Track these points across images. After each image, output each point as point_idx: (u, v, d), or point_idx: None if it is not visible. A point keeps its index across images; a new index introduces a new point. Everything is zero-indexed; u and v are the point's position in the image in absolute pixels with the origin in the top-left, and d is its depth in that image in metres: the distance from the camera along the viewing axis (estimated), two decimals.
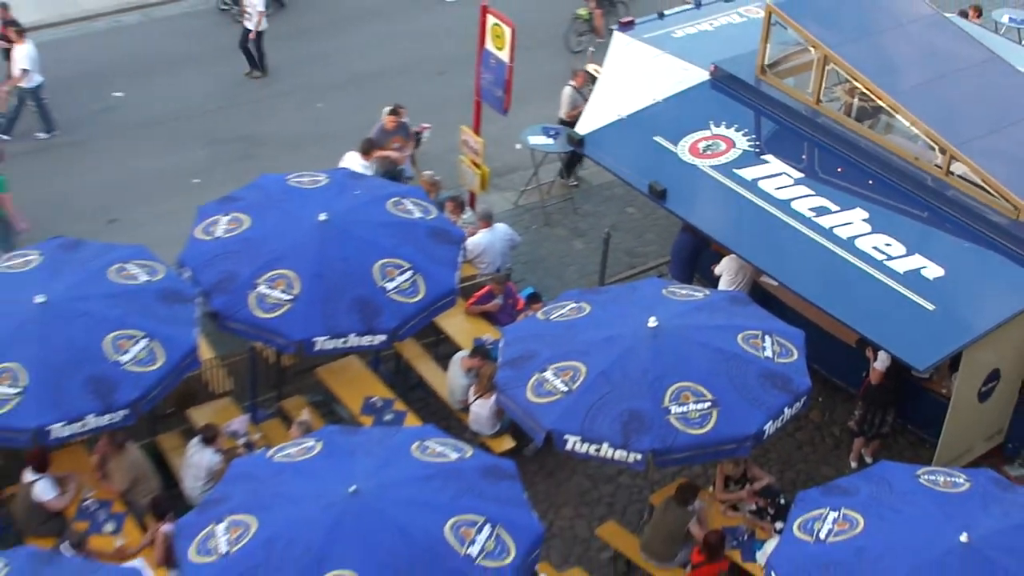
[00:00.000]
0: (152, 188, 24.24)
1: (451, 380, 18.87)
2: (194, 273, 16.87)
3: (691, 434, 15.00)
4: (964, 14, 26.16)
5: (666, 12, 22.93)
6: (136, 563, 15.45)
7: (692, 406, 15.12)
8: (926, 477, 14.42)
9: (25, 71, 24.88)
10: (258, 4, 27.59)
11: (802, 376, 15.93)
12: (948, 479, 14.39)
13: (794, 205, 18.64)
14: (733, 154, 19.69)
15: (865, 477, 14.85)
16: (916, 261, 17.61)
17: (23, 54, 24.90)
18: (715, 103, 20.74)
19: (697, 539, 16.48)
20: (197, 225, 17.57)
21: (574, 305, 16.83)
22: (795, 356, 16.14)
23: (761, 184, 19.07)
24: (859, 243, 17.92)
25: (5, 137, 24.60)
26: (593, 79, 23.23)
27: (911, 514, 13.74)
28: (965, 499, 13.97)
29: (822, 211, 18.49)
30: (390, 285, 16.68)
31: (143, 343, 15.51)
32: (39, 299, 15.44)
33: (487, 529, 13.30)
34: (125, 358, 15.32)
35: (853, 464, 19.12)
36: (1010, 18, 30.08)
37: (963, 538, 13.07)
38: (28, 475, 16.30)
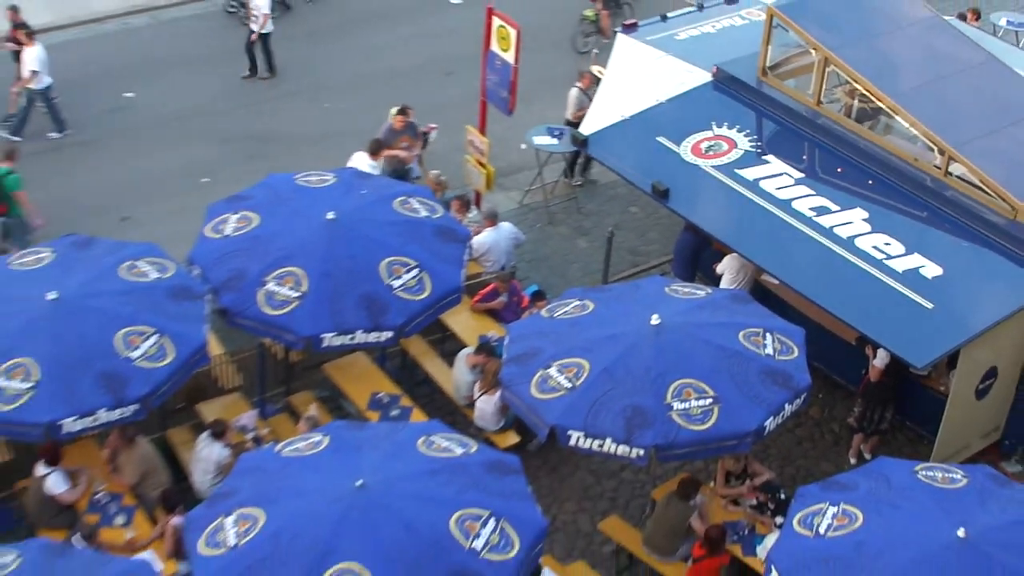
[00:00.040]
0: (162, 187, 24.26)
1: (456, 376, 18.88)
2: (204, 271, 16.89)
3: (693, 430, 15.01)
4: (963, 17, 26.16)
5: (669, 14, 22.92)
6: (146, 555, 15.48)
7: (694, 402, 15.14)
8: (924, 473, 14.42)
9: (35, 73, 24.89)
10: (263, 7, 27.59)
11: (802, 373, 15.94)
12: (946, 475, 14.39)
13: (795, 205, 18.65)
14: (735, 154, 19.69)
15: (864, 473, 14.86)
16: (915, 260, 17.61)
17: (32, 56, 24.91)
18: (717, 104, 20.73)
19: (698, 533, 16.48)
20: (207, 223, 17.58)
21: (578, 303, 16.84)
22: (795, 353, 16.14)
23: (762, 184, 19.08)
24: (859, 242, 17.93)
25: (16, 138, 24.59)
26: (598, 81, 23.23)
27: (909, 509, 13.74)
28: (962, 495, 13.97)
29: (822, 211, 18.50)
30: (397, 283, 16.69)
31: (153, 339, 15.54)
32: (51, 296, 15.47)
33: (492, 523, 13.32)
34: (136, 354, 15.35)
35: (852, 460, 19.12)
36: (1008, 21, 30.07)
37: (960, 533, 13.07)
38: (40, 468, 16.32)
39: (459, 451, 14.33)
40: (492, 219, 21.15)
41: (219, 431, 16.99)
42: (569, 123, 24.08)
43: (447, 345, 20.14)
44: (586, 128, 21.24)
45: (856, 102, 20.17)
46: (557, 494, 18.57)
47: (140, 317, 15.67)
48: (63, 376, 14.99)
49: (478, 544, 13.11)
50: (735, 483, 17.44)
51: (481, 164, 22.56)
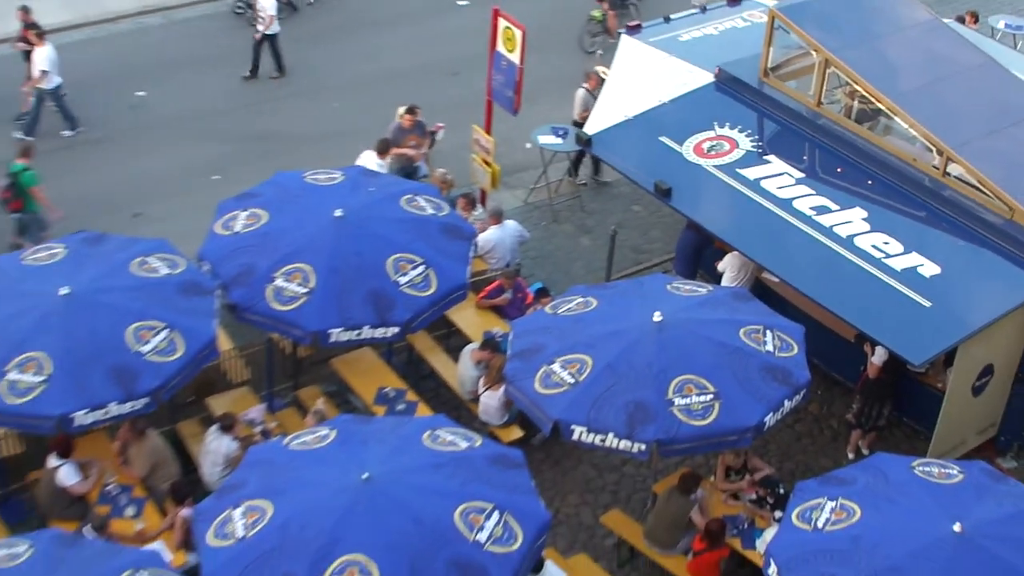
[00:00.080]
0: (173, 184, 24.27)
1: (461, 371, 18.88)
2: (213, 266, 16.91)
3: (694, 425, 15.02)
4: (961, 20, 26.13)
5: (672, 16, 22.92)
6: (156, 546, 15.50)
7: (695, 398, 15.14)
8: (921, 468, 14.42)
9: (44, 72, 24.89)
10: (268, 8, 27.58)
11: (802, 370, 15.95)
12: (942, 470, 14.39)
13: (795, 204, 18.64)
14: (736, 154, 19.68)
15: (862, 468, 14.85)
16: (913, 259, 17.60)
17: (43, 56, 24.90)
18: (719, 105, 20.73)
19: (699, 527, 16.50)
20: (216, 220, 17.61)
21: (581, 300, 16.84)
22: (795, 350, 16.15)
23: (763, 183, 19.07)
24: (858, 241, 17.92)
25: (29, 137, 24.59)
26: (602, 81, 23.22)
27: (906, 504, 13.75)
28: (958, 490, 13.97)
29: (822, 210, 18.49)
30: (403, 279, 16.71)
31: (164, 334, 15.56)
32: (64, 291, 15.50)
33: (495, 516, 13.34)
34: (146, 348, 15.37)
35: (850, 455, 19.10)
36: (1006, 24, 30.04)
37: (956, 528, 13.08)
38: (52, 460, 16.36)
39: (464, 445, 14.34)
40: (497, 217, 21.15)
41: (228, 424, 17.00)
42: (576, 124, 24.04)
43: (452, 341, 20.15)
44: (590, 128, 21.24)
45: (856, 103, 20.16)
46: (560, 488, 18.57)
47: (151, 312, 15.69)
48: (75, 370, 15.01)
49: (482, 536, 13.13)
50: (735, 478, 17.45)
51: (487, 163, 22.57)
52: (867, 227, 18.17)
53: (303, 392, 18.98)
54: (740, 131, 20.10)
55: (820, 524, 13.80)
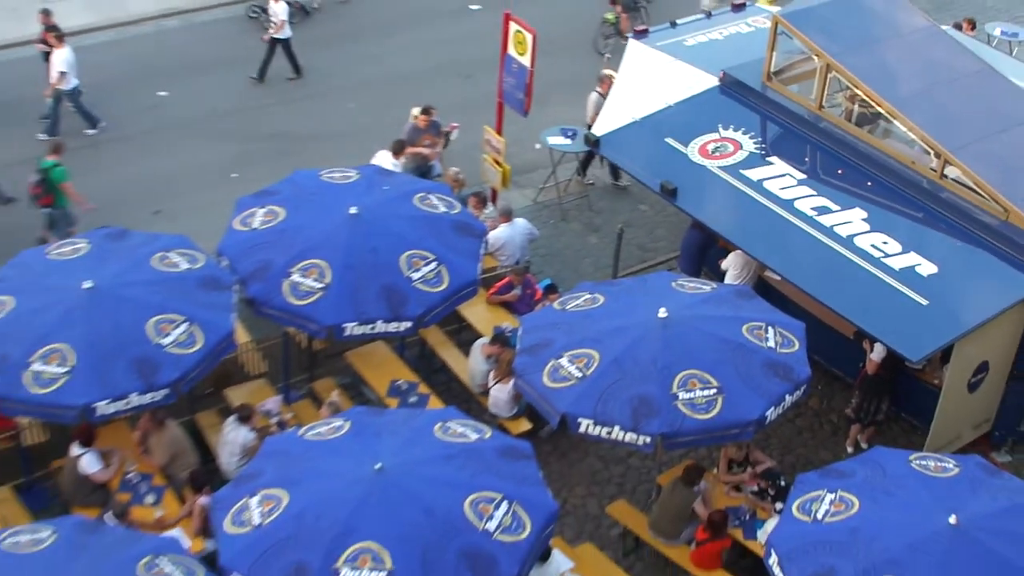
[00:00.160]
0: (193, 182, 24.27)
1: (472, 365, 18.87)
2: (232, 262, 16.92)
3: (697, 419, 15.01)
4: (959, 27, 26.04)
5: (679, 21, 22.86)
6: (175, 533, 15.51)
7: (699, 392, 15.12)
8: (918, 462, 14.41)
9: (63, 74, 24.87)
10: (280, 13, 27.55)
11: (803, 366, 15.93)
12: (938, 464, 14.37)
13: (797, 204, 18.60)
14: (740, 156, 19.65)
15: (860, 461, 14.85)
16: (911, 259, 17.57)
17: (61, 58, 24.86)
18: (724, 107, 20.68)
19: (702, 518, 16.48)
20: (235, 217, 17.62)
21: (589, 296, 16.82)
22: (796, 347, 16.12)
23: (766, 184, 19.04)
24: (858, 241, 17.88)
25: (53, 137, 24.53)
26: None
27: (903, 497, 13.74)
28: (954, 483, 13.97)
29: (823, 210, 18.45)
30: (416, 275, 16.70)
31: (183, 327, 15.56)
32: (87, 285, 15.51)
33: (504, 506, 13.35)
34: (166, 341, 15.37)
35: (849, 449, 19.07)
36: (1002, 31, 29.95)
37: (952, 520, 13.08)
38: (75, 449, 16.38)
39: (474, 437, 14.34)
40: (507, 215, 21.13)
41: (245, 415, 17.00)
42: (590, 127, 24.00)
43: (463, 335, 20.14)
44: (598, 129, 21.23)
45: (856, 107, 20.10)
46: (567, 479, 18.55)
47: (171, 305, 15.70)
48: (97, 361, 15.03)
49: (491, 526, 13.13)
50: (737, 470, 17.43)
51: (497, 163, 22.55)
52: (867, 227, 18.13)
53: (318, 384, 18.98)
54: (744, 133, 20.06)
55: (820, 516, 13.80)
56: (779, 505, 16.36)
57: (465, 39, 30.12)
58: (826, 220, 18.28)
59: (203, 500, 15.52)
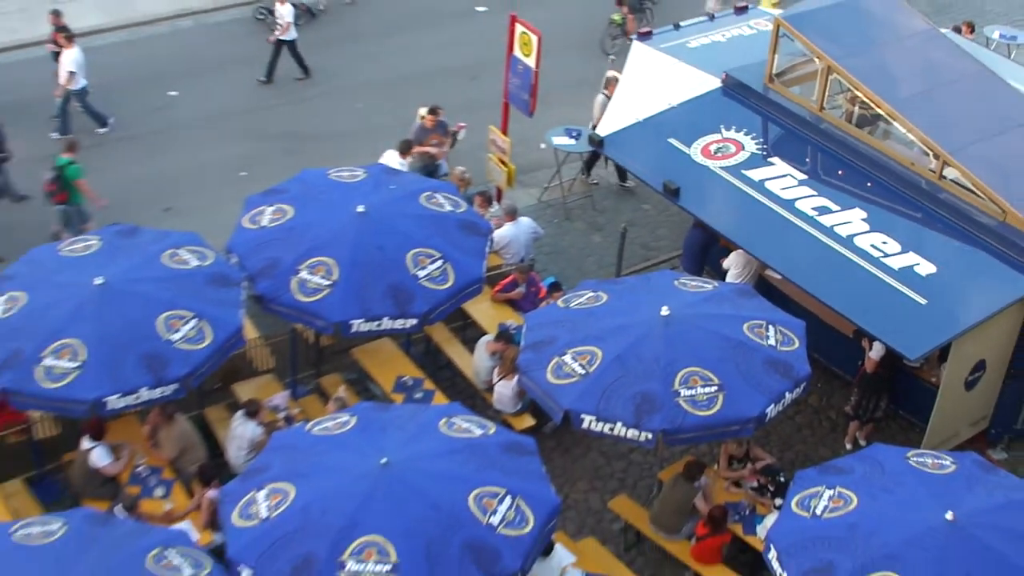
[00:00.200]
0: (203, 180, 24.29)
1: (477, 362, 18.87)
2: (241, 259, 16.93)
3: (698, 415, 15.01)
4: (958, 30, 26.01)
5: (682, 23, 22.86)
6: (183, 525, 15.54)
7: (700, 389, 15.13)
8: (915, 459, 14.40)
9: (72, 74, 24.88)
10: (286, 15, 27.54)
11: (802, 363, 15.93)
12: (936, 461, 14.37)
13: (798, 205, 18.60)
14: (742, 156, 19.65)
15: (859, 458, 14.85)
16: (910, 258, 17.56)
17: (70, 59, 24.85)
18: (726, 109, 20.66)
19: (702, 513, 16.48)
20: (244, 215, 17.64)
21: (592, 294, 16.83)
22: (796, 345, 16.13)
23: (767, 184, 19.03)
24: (857, 241, 17.88)
25: (64, 135, 24.53)
26: None
27: (901, 493, 13.73)
28: (951, 480, 13.96)
29: (824, 210, 18.45)
30: (422, 273, 16.71)
31: (193, 323, 15.58)
32: (98, 281, 15.53)
33: (508, 500, 13.35)
34: (176, 336, 15.39)
35: (848, 446, 19.07)
36: (1000, 34, 29.94)
37: (948, 516, 13.08)
38: (85, 443, 16.38)
39: (478, 432, 14.34)
40: (512, 214, 21.13)
41: (253, 410, 17.01)
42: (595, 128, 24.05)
43: (468, 332, 20.14)
44: (603, 129, 21.24)
45: (857, 108, 20.11)
46: (570, 474, 18.56)
47: (180, 302, 15.72)
48: (108, 356, 15.04)
49: (495, 520, 13.14)
50: (737, 466, 17.43)
51: (503, 162, 22.55)
52: (866, 227, 18.13)
53: (325, 380, 18.97)
54: (746, 134, 20.06)
55: (819, 511, 13.80)
56: (778, 501, 16.33)
57: (471, 41, 30.13)
58: (826, 220, 18.28)
59: (211, 493, 15.53)
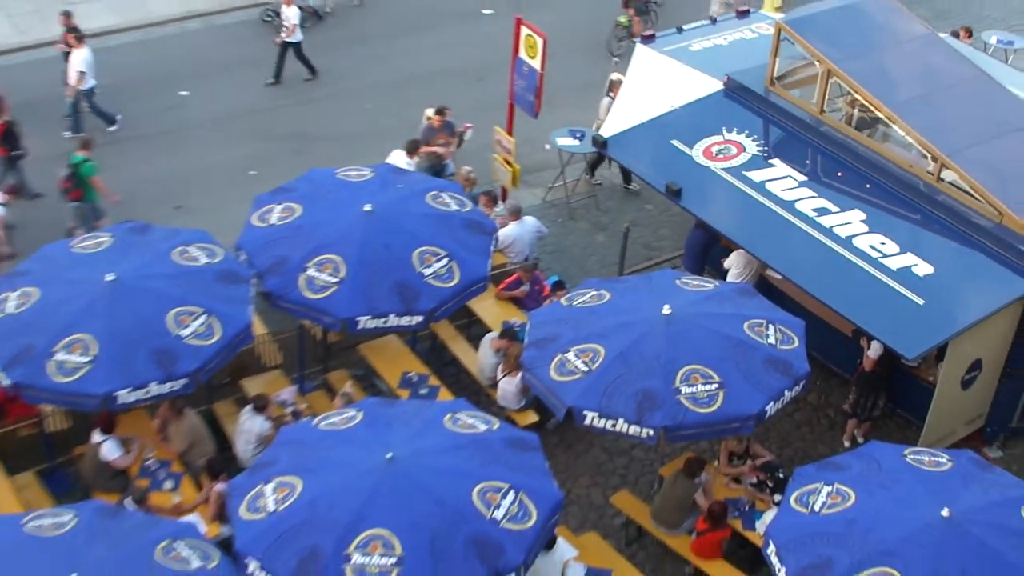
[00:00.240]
0: (213, 179, 24.30)
1: (481, 359, 18.88)
2: (250, 256, 16.95)
3: (699, 413, 15.02)
4: (956, 35, 25.98)
5: (684, 27, 22.85)
6: (192, 518, 15.53)
7: (701, 387, 15.13)
8: (912, 457, 14.41)
9: (82, 74, 24.88)
10: (292, 17, 27.51)
11: (802, 362, 15.94)
12: (932, 459, 14.37)
13: (798, 206, 18.60)
14: (743, 158, 19.64)
15: (857, 455, 14.86)
16: (908, 259, 17.56)
17: (80, 59, 24.86)
18: (728, 111, 20.66)
19: (702, 509, 16.48)
20: (253, 213, 17.65)
21: (595, 292, 16.84)
22: (796, 343, 16.13)
23: (768, 186, 19.03)
24: (857, 241, 17.87)
25: (77, 134, 24.54)
26: None
27: (898, 490, 13.75)
28: (947, 477, 13.97)
29: (823, 212, 18.45)
30: (428, 271, 16.73)
31: (202, 319, 15.60)
32: (109, 277, 15.56)
33: (511, 495, 13.36)
34: (186, 332, 15.41)
35: (846, 443, 19.05)
36: (998, 39, 29.89)
37: (944, 513, 13.09)
38: (96, 436, 16.39)
39: (482, 428, 14.35)
40: (517, 213, 21.13)
41: (261, 405, 17.02)
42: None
43: (473, 329, 20.14)
44: (606, 131, 21.24)
45: (856, 111, 20.10)
46: (572, 470, 18.56)
47: (190, 298, 15.75)
48: (119, 351, 15.08)
49: (498, 514, 13.15)
50: (737, 463, 17.42)
51: (508, 162, 22.55)
52: (865, 228, 18.13)
53: (332, 376, 18.98)
54: (747, 136, 20.06)
55: (817, 508, 13.80)
56: (777, 497, 16.34)
57: (477, 43, 30.11)
58: (826, 221, 18.28)
59: (220, 487, 15.54)
